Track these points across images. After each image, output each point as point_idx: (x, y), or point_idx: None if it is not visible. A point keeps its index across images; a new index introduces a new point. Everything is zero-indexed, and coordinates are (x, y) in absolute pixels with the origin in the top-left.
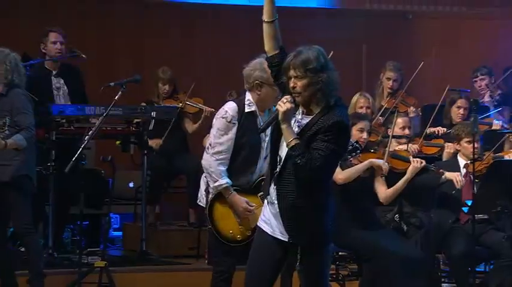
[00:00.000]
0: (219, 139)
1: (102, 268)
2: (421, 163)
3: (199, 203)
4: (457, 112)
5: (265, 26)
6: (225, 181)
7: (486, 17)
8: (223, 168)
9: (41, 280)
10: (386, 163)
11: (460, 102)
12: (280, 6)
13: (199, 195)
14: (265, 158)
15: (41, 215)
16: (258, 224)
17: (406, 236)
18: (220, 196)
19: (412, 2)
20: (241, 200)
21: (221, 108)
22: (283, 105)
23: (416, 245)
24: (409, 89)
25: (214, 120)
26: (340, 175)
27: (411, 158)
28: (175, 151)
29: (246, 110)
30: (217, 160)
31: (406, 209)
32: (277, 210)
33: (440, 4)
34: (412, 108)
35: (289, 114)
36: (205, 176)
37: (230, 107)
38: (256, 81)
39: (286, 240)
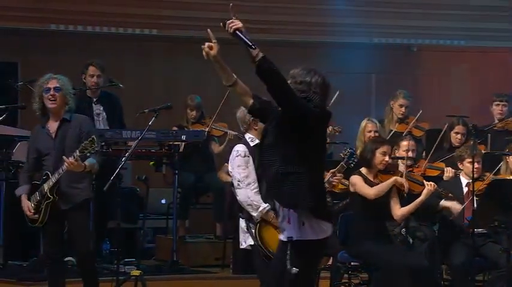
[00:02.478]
0: (244, 173)
1: (137, 277)
2: (434, 186)
3: (241, 247)
4: (455, 137)
5: (230, 90)
6: (266, 205)
7: (484, 49)
8: (259, 195)
9: None
10: (407, 182)
11: (458, 128)
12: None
13: (240, 240)
14: None
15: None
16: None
17: (412, 249)
18: (261, 225)
19: (416, 36)
20: None
21: (231, 153)
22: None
23: (422, 257)
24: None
25: (230, 165)
26: (372, 191)
27: (425, 182)
28: (203, 171)
29: (252, 145)
30: (252, 190)
31: (412, 224)
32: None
33: (441, 38)
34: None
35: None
36: (241, 216)
37: (239, 147)
38: (252, 118)
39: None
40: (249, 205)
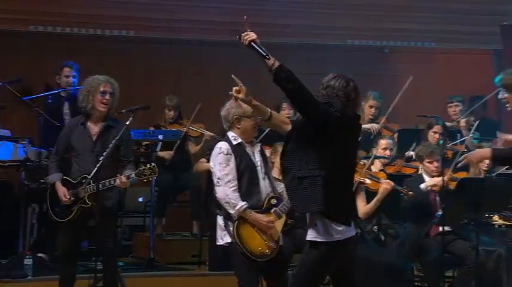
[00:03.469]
0: (224, 171)
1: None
2: (391, 184)
3: (218, 244)
4: (433, 136)
5: (267, 124)
6: (243, 203)
7: (453, 51)
8: (237, 193)
9: None
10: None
11: (436, 127)
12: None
13: (217, 236)
14: (263, 178)
15: None
16: None
17: (384, 245)
18: (239, 222)
19: (388, 38)
20: (261, 216)
21: (214, 149)
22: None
23: (393, 254)
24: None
25: (211, 161)
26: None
27: (382, 180)
28: (180, 170)
29: (234, 143)
30: (230, 188)
31: (383, 221)
32: None
33: (412, 40)
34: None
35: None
36: (219, 213)
37: (221, 144)
38: (235, 117)
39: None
40: (226, 202)
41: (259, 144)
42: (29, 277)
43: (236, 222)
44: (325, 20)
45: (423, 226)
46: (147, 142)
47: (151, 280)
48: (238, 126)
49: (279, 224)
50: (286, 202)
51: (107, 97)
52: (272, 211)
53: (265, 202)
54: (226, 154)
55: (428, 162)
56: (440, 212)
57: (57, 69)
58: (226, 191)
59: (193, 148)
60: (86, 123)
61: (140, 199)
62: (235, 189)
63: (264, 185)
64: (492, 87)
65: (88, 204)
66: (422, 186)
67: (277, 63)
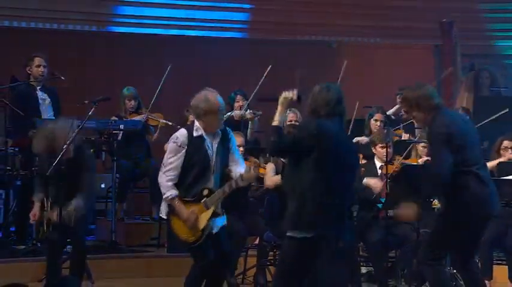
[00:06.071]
0: (169, 160)
1: None
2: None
3: (160, 215)
4: (374, 124)
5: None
6: (170, 193)
7: (396, 46)
8: (170, 183)
9: None
10: None
11: (377, 116)
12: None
13: (161, 209)
14: (214, 171)
15: None
16: None
17: None
18: (171, 208)
19: (336, 34)
20: (183, 210)
21: (174, 134)
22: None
23: None
24: None
25: (168, 143)
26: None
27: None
28: (139, 157)
29: (194, 134)
30: (167, 177)
31: None
32: None
33: (359, 36)
34: None
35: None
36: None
37: (181, 133)
38: (202, 111)
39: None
40: (161, 187)
41: (221, 132)
42: None
43: (170, 208)
44: (282, 16)
45: (369, 210)
46: (109, 131)
47: (113, 262)
48: (204, 119)
49: (206, 215)
50: (216, 193)
51: None
52: (202, 201)
53: (199, 193)
54: (179, 146)
55: (381, 147)
56: (384, 198)
57: (27, 60)
58: (162, 177)
59: (151, 136)
60: None
61: (102, 186)
62: (170, 179)
63: (213, 178)
64: (433, 78)
65: None
66: (364, 181)
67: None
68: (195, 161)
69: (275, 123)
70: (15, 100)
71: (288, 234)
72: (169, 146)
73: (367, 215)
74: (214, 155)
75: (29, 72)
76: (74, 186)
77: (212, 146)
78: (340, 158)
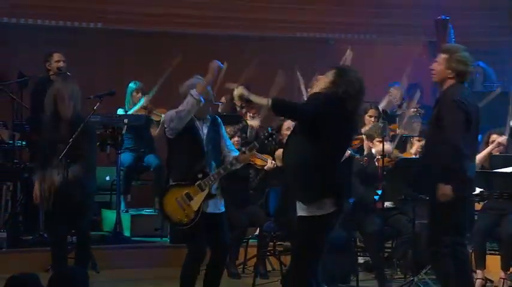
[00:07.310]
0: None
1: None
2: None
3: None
4: (369, 120)
5: None
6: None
7: (391, 42)
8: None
9: None
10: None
11: (371, 111)
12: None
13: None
14: (207, 151)
15: None
16: None
17: None
18: (165, 192)
19: (334, 31)
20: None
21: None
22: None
23: (339, 226)
24: None
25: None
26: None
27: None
28: (144, 151)
29: None
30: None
31: None
32: None
33: (356, 33)
34: None
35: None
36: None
37: (170, 113)
38: None
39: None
40: (175, 113)
41: (210, 117)
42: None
43: (163, 191)
44: (277, 13)
45: (366, 200)
46: (113, 126)
47: (117, 252)
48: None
49: (201, 196)
50: (211, 176)
51: None
52: (196, 183)
53: (193, 175)
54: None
55: (378, 141)
56: (380, 190)
57: (46, 56)
58: (172, 111)
59: (155, 131)
60: None
61: (107, 178)
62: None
63: (207, 160)
64: (428, 75)
65: None
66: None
67: (270, 100)
68: (187, 141)
69: (265, 100)
70: (36, 95)
71: (303, 214)
72: (174, 110)
73: (364, 206)
74: (205, 138)
75: (48, 67)
76: (74, 152)
77: (202, 128)
78: (346, 135)
